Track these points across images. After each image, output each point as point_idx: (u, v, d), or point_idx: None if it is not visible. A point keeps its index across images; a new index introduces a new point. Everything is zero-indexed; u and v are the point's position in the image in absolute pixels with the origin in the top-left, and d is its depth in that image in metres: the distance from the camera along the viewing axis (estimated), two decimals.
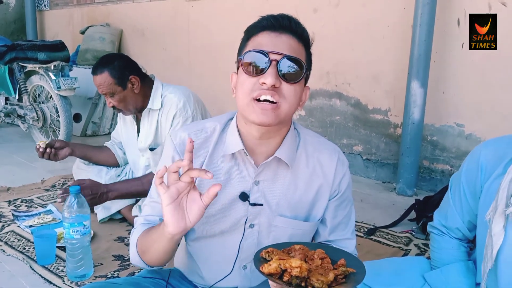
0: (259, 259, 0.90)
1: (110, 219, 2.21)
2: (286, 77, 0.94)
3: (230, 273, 1.09)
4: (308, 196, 1.10)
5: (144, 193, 1.98)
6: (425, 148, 2.91)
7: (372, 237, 2.15)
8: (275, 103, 0.93)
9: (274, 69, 0.92)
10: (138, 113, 2.11)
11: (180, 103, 2.00)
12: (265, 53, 0.92)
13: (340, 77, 3.30)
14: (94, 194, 1.91)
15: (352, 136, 3.31)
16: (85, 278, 1.69)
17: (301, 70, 0.95)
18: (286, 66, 0.93)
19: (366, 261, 1.36)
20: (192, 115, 2.00)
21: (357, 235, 2.15)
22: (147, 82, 2.09)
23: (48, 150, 2.09)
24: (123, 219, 2.23)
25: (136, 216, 2.11)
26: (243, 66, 0.95)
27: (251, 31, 0.97)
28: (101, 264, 1.82)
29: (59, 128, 3.55)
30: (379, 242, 2.09)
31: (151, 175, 2.02)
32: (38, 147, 2.10)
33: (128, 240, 2.02)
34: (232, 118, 1.10)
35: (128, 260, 1.85)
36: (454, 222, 1.22)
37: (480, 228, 1.12)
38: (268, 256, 0.91)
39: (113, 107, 2.06)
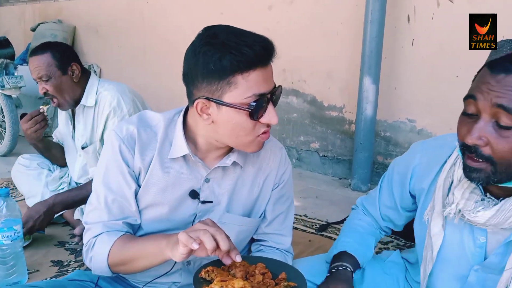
0: (199, 280, 0.88)
1: (52, 222, 2.09)
2: (275, 104, 0.98)
3: (171, 269, 1.07)
4: (254, 192, 1.13)
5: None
6: (379, 143, 2.93)
7: (323, 233, 2.13)
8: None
9: (272, 106, 0.96)
10: (72, 107, 2.01)
11: (114, 101, 1.91)
12: (265, 95, 0.93)
13: (296, 74, 3.29)
14: (38, 216, 1.82)
15: (309, 133, 3.30)
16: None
17: (279, 93, 0.99)
18: (275, 97, 0.97)
19: (301, 258, 1.33)
20: (129, 112, 1.91)
21: (309, 232, 2.14)
22: (85, 75, 1.99)
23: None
24: (67, 223, 2.12)
25: (78, 219, 2.01)
26: (249, 111, 0.92)
27: (243, 62, 0.88)
28: (38, 270, 1.72)
29: (5, 129, 3.37)
30: (330, 238, 2.08)
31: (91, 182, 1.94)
32: (42, 110, 1.99)
33: (69, 244, 1.94)
34: (178, 114, 1.07)
35: (67, 265, 1.76)
36: (372, 207, 1.25)
37: (418, 229, 1.10)
38: (208, 275, 0.89)
39: (45, 93, 1.92)
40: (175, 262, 1.06)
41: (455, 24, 2.49)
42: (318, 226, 2.21)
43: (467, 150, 0.85)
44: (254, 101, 0.91)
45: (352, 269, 1.12)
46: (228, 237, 0.87)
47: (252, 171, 1.11)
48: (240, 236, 1.14)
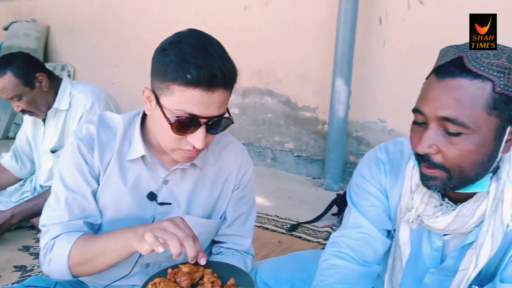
0: None
1: (18, 226, 2.05)
2: (213, 132, 0.94)
3: (130, 272, 1.06)
4: (214, 193, 1.12)
5: None
6: (351, 144, 2.97)
7: (293, 233, 2.15)
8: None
9: (203, 131, 0.91)
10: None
11: (88, 104, 1.87)
12: (196, 118, 0.89)
13: (271, 75, 3.30)
14: None
15: (284, 134, 3.32)
16: None
17: (226, 124, 0.95)
18: (215, 125, 0.93)
19: (269, 258, 1.34)
20: None
21: (279, 232, 2.15)
22: (55, 80, 1.94)
23: None
24: (32, 227, 2.08)
25: None
26: (170, 122, 0.89)
27: (183, 77, 0.85)
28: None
29: None
30: (300, 237, 2.10)
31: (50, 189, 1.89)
32: None
33: (34, 249, 1.90)
34: (137, 115, 1.06)
35: (31, 270, 1.73)
36: (357, 224, 1.02)
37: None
38: None
39: (22, 111, 1.87)
40: (134, 265, 1.06)
41: (425, 25, 2.54)
42: (289, 226, 2.22)
43: (420, 159, 0.85)
44: (180, 116, 0.88)
45: None
46: (197, 239, 0.86)
47: (212, 172, 1.11)
48: (201, 238, 1.13)
